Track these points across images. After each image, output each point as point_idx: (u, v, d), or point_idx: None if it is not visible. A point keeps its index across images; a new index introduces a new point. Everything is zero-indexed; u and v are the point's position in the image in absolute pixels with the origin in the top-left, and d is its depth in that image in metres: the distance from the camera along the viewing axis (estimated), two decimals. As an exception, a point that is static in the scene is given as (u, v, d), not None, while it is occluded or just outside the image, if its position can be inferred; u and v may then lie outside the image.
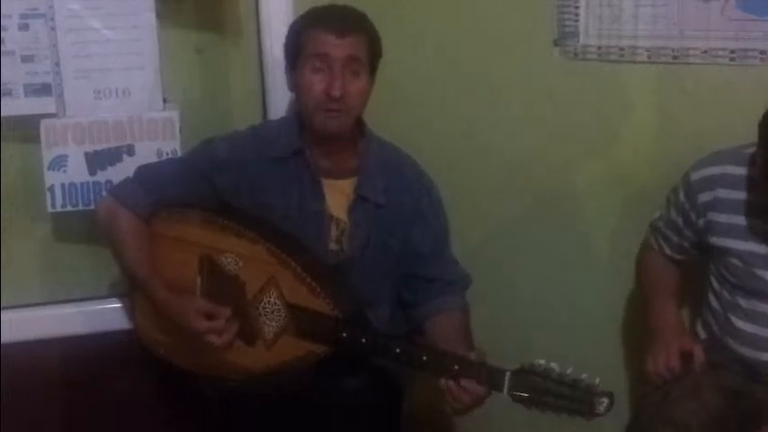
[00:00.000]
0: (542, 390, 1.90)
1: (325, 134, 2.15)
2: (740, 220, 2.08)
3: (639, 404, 2.16)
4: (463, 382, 1.95)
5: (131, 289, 2.36)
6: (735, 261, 2.10)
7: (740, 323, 2.14)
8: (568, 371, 1.90)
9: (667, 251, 2.30)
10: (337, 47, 2.08)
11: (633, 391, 2.34)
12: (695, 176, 2.16)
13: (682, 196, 2.19)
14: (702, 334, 2.27)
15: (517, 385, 1.92)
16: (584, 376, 1.89)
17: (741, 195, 2.08)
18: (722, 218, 2.11)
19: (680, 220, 2.22)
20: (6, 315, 2.44)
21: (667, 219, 2.26)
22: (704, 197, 2.14)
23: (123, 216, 2.22)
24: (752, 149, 2.08)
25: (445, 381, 1.97)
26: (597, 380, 1.89)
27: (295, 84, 2.16)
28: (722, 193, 2.11)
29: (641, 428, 2.13)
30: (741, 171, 2.09)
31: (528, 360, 1.93)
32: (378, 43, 2.17)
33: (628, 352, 2.49)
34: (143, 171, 2.28)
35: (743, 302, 2.13)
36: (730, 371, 2.16)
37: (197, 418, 2.44)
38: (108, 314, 2.49)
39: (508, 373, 1.93)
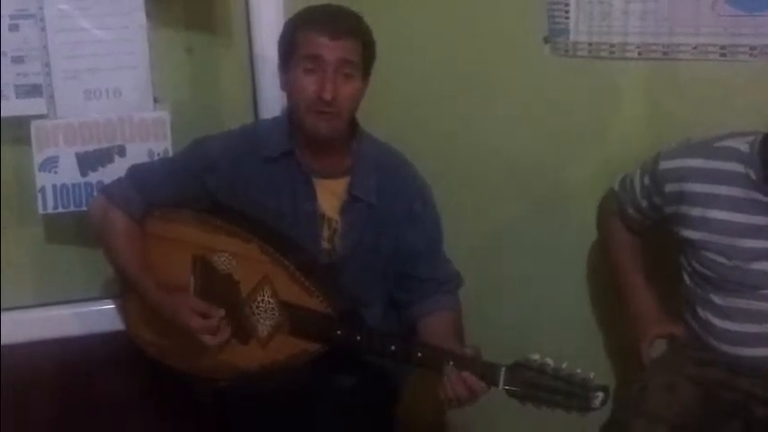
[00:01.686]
0: (537, 385, 1.90)
1: (315, 136, 2.14)
2: (716, 213, 2.09)
3: (618, 398, 2.17)
4: (464, 374, 1.94)
5: (123, 290, 2.36)
6: (712, 255, 2.10)
7: (716, 320, 2.14)
8: (563, 366, 1.90)
9: (627, 224, 2.33)
10: (330, 49, 2.07)
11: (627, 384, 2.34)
12: (663, 166, 2.16)
13: (647, 180, 2.20)
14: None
15: (512, 380, 1.92)
16: (578, 371, 1.89)
17: (714, 189, 2.08)
18: (696, 211, 2.10)
19: (644, 203, 2.23)
20: (-1, 317, 2.44)
21: (632, 198, 2.26)
22: (672, 188, 2.14)
23: (115, 216, 2.22)
24: (724, 143, 2.09)
25: (447, 372, 1.96)
26: (592, 374, 1.89)
27: (287, 84, 2.15)
28: (694, 186, 2.10)
29: (618, 421, 2.14)
30: (713, 165, 2.09)
31: (523, 356, 1.93)
32: (372, 46, 2.15)
33: (622, 348, 2.49)
34: (135, 171, 2.28)
35: (717, 299, 2.13)
36: (714, 366, 2.16)
37: (191, 417, 2.43)
38: (101, 315, 2.47)
39: (503, 369, 1.93)
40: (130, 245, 2.23)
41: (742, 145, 2.07)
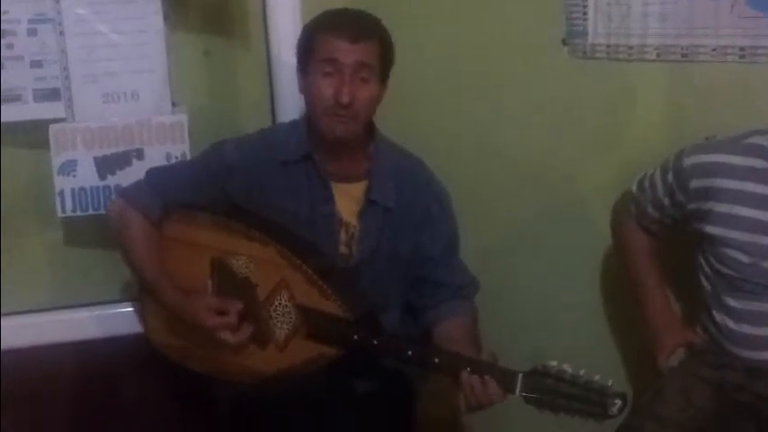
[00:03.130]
0: (555, 391, 1.88)
1: (332, 139, 2.14)
2: (742, 210, 2.06)
3: (633, 403, 2.16)
4: (481, 380, 1.93)
5: (141, 293, 2.37)
6: (733, 252, 2.08)
7: (733, 324, 2.11)
8: (581, 372, 1.89)
9: (645, 225, 2.29)
10: (348, 52, 2.06)
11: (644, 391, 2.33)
12: (689, 162, 2.12)
13: (670, 177, 2.16)
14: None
15: (529, 387, 1.91)
16: (596, 377, 1.88)
17: (743, 186, 2.06)
18: (722, 208, 2.07)
19: (666, 200, 2.19)
20: (18, 320, 2.45)
21: (653, 196, 2.23)
22: (697, 184, 2.10)
23: (133, 218, 2.23)
24: (750, 140, 2.08)
25: (467, 376, 1.95)
26: (610, 381, 1.88)
27: (305, 87, 2.15)
28: (721, 182, 2.07)
29: (630, 426, 2.13)
30: (740, 161, 2.07)
31: (540, 361, 1.92)
32: (390, 50, 2.15)
33: (637, 351, 2.47)
34: (154, 174, 2.29)
35: (734, 302, 2.10)
36: (731, 368, 2.15)
37: (208, 421, 2.44)
38: (120, 318, 2.49)
39: (520, 375, 1.92)
40: (148, 247, 2.24)
41: (767, 142, 2.06)
